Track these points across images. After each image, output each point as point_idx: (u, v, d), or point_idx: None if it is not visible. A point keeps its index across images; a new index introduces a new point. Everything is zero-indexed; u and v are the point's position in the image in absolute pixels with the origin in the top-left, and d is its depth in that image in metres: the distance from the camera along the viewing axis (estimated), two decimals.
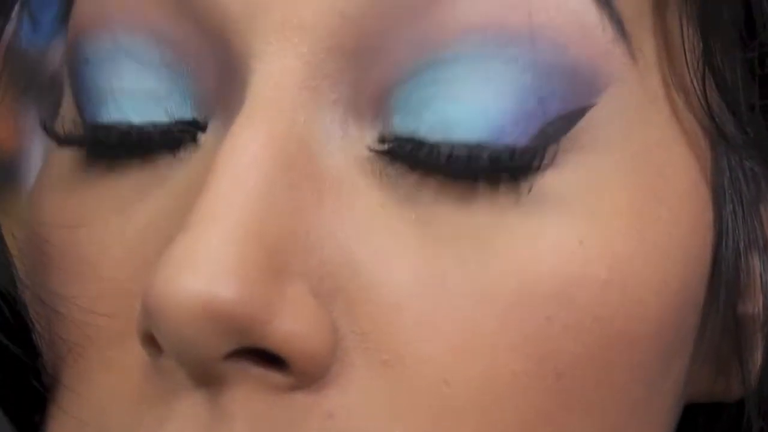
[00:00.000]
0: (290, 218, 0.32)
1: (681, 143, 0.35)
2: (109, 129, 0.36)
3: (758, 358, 0.38)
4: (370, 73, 0.33)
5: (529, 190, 0.33)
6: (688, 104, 0.36)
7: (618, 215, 0.34)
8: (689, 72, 0.35)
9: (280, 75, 0.33)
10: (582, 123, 0.34)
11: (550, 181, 0.33)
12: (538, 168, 0.33)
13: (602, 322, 0.33)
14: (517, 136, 0.33)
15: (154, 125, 0.35)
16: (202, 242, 0.31)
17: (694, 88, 0.35)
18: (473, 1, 0.33)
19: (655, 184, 0.35)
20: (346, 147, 0.33)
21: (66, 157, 0.37)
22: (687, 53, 0.35)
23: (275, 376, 0.31)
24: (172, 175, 0.35)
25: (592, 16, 0.33)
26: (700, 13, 0.35)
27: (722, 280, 0.36)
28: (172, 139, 0.35)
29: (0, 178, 0.52)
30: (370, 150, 0.33)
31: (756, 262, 0.37)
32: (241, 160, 0.32)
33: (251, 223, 0.31)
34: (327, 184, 0.33)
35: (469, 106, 0.33)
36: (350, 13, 0.33)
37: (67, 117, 0.38)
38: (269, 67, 0.33)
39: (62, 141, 0.37)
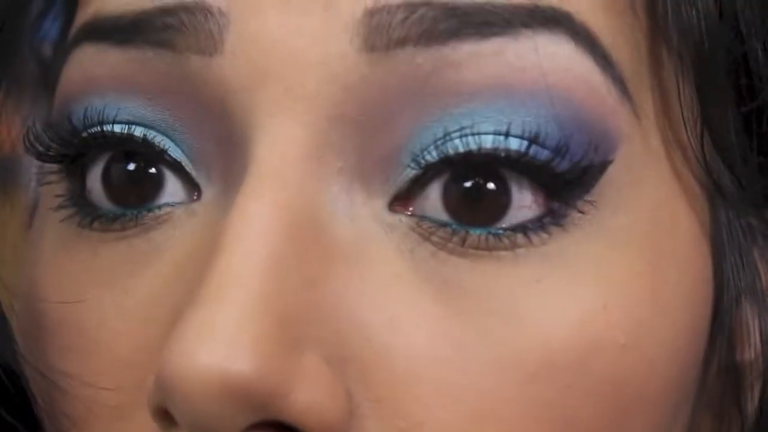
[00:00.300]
0: (302, 289, 0.32)
1: (682, 200, 0.36)
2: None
3: (756, 403, 0.38)
4: (374, 139, 0.33)
5: (556, 253, 0.33)
6: (686, 160, 0.36)
7: (635, 278, 0.34)
8: (686, 129, 0.36)
9: (284, 145, 0.32)
10: (603, 180, 0.34)
11: (574, 243, 0.33)
12: (563, 227, 0.33)
13: (618, 386, 0.33)
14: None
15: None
16: (217, 318, 0.30)
17: (691, 144, 0.36)
18: (478, 66, 0.33)
19: (664, 245, 0.35)
20: (355, 216, 0.33)
21: (58, 226, 0.37)
22: (684, 111, 0.36)
23: None
24: (168, 245, 0.35)
25: (597, 78, 0.34)
26: (695, 71, 0.36)
27: (723, 331, 0.37)
28: (166, 213, 0.35)
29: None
30: (382, 221, 0.33)
31: (750, 310, 0.38)
32: (250, 233, 0.31)
33: (264, 297, 0.31)
34: (338, 254, 0.33)
35: None
36: (353, 84, 0.33)
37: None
38: (273, 137, 0.32)
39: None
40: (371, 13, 0.32)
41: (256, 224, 0.32)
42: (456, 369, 0.32)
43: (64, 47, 0.39)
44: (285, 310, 0.31)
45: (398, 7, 0.32)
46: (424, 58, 0.33)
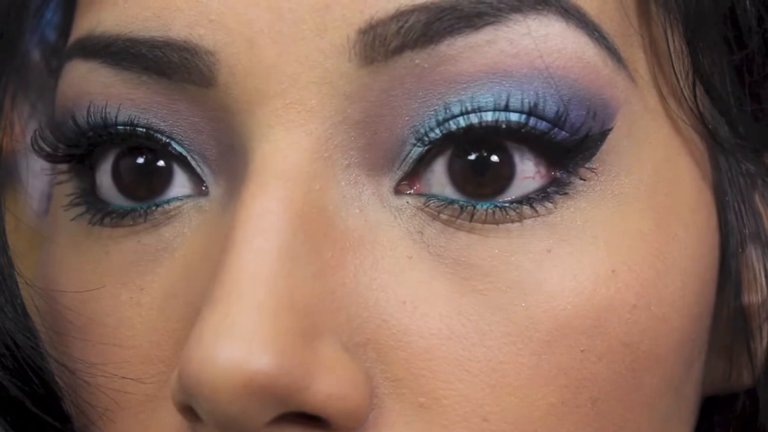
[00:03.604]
0: (314, 281, 0.32)
1: (683, 154, 0.36)
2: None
3: (765, 344, 0.39)
4: (379, 135, 0.34)
5: (563, 221, 0.34)
6: (684, 113, 0.36)
7: (642, 239, 0.34)
8: (679, 82, 0.36)
9: (287, 149, 0.33)
10: (603, 147, 0.34)
11: (579, 210, 0.34)
12: (567, 195, 0.34)
13: (632, 346, 0.34)
14: None
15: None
16: (234, 316, 0.31)
17: (686, 97, 0.36)
18: (474, 56, 0.33)
19: (668, 202, 0.35)
20: (363, 206, 0.34)
21: (70, 225, 0.38)
22: (674, 61, 0.36)
23: None
24: (179, 243, 0.35)
25: (591, 52, 0.34)
26: (684, 23, 0.36)
27: (730, 277, 0.38)
28: (175, 207, 0.36)
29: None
30: (389, 205, 0.34)
31: (755, 254, 0.38)
32: (259, 228, 0.32)
33: (279, 292, 0.31)
34: (348, 244, 0.33)
35: None
36: (355, 93, 0.33)
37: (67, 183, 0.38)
38: (274, 145, 0.33)
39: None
40: (365, 31, 0.33)
41: (263, 220, 0.32)
42: (471, 344, 0.33)
43: (62, 48, 0.39)
44: (300, 303, 0.32)
45: (391, 18, 0.33)
46: (421, 58, 0.33)
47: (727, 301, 0.38)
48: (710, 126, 0.37)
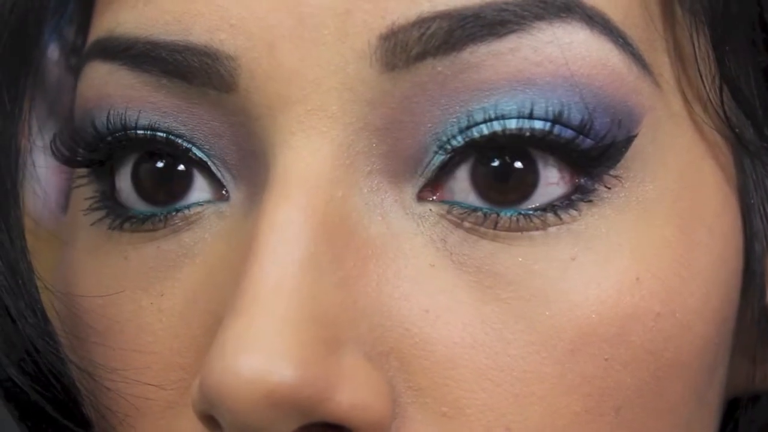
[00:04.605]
0: (337, 290, 0.32)
1: (708, 158, 0.36)
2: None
3: None
4: (401, 142, 0.33)
5: (587, 229, 0.33)
6: (707, 115, 0.36)
7: (667, 246, 0.34)
8: (705, 86, 0.36)
9: (309, 156, 0.33)
10: (628, 154, 0.34)
11: (603, 218, 0.34)
12: (592, 202, 0.33)
13: (656, 354, 0.34)
14: None
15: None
16: (256, 327, 0.31)
17: (711, 100, 0.36)
18: (497, 64, 0.33)
19: (693, 208, 0.35)
20: (385, 213, 0.33)
21: (89, 230, 0.37)
22: (700, 65, 0.36)
23: None
24: (199, 248, 0.35)
25: (616, 59, 0.34)
26: (710, 26, 0.36)
27: (755, 280, 0.37)
28: (195, 213, 0.35)
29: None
30: (411, 212, 0.34)
31: None
32: (281, 238, 0.32)
33: (301, 303, 0.31)
34: (370, 252, 0.33)
35: None
36: (376, 99, 0.33)
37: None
38: (296, 152, 0.33)
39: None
40: (386, 37, 0.32)
41: (285, 229, 0.32)
42: (494, 353, 0.33)
43: (81, 46, 0.39)
44: (322, 313, 0.31)
45: (412, 25, 0.32)
46: (443, 65, 0.33)
47: (752, 303, 0.38)
48: (736, 129, 0.36)
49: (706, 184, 0.36)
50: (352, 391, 0.31)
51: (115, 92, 0.35)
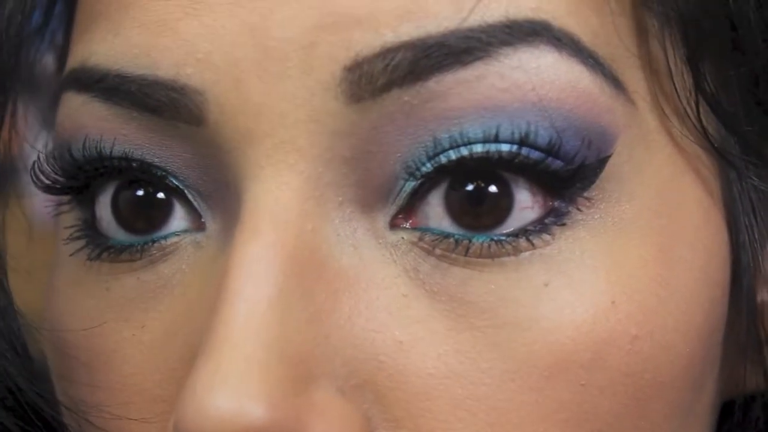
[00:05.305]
0: (308, 326, 0.32)
1: (688, 173, 0.35)
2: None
3: None
4: (370, 171, 0.33)
5: (560, 253, 0.33)
6: (686, 129, 0.35)
7: (644, 266, 0.34)
8: (680, 99, 0.35)
9: (278, 191, 0.32)
10: (603, 174, 0.33)
11: (577, 241, 0.33)
12: (566, 225, 0.33)
13: (634, 376, 0.33)
14: None
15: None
16: (225, 367, 0.31)
17: (689, 114, 0.35)
18: (463, 92, 0.32)
19: (672, 226, 0.35)
20: (357, 243, 0.33)
21: (69, 260, 0.37)
22: (675, 79, 0.35)
23: None
24: (178, 280, 0.35)
25: (587, 81, 0.33)
26: (682, 34, 0.35)
27: (744, 290, 0.37)
28: (172, 243, 0.35)
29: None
30: (384, 242, 0.33)
31: None
32: (252, 276, 0.32)
33: (271, 341, 0.31)
34: (342, 284, 0.33)
35: None
36: (344, 130, 0.33)
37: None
38: (265, 185, 0.33)
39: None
40: (351, 69, 0.32)
41: (254, 266, 0.32)
42: (469, 383, 0.32)
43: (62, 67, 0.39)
44: (292, 350, 0.31)
45: (377, 56, 0.32)
46: (410, 95, 0.32)
47: (741, 313, 0.37)
48: (716, 144, 0.35)
49: (687, 199, 0.35)
50: (324, 427, 0.31)
51: (89, 123, 0.35)
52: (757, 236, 0.37)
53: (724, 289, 0.36)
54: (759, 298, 0.37)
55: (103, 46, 0.35)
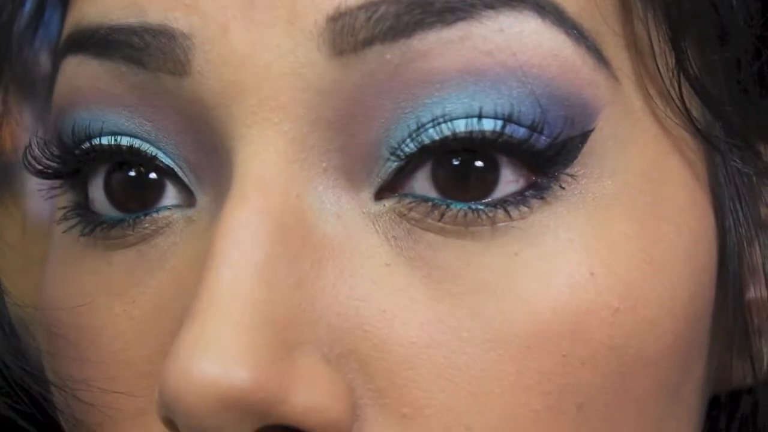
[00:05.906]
0: (293, 292, 0.32)
1: (673, 155, 0.36)
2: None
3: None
4: (355, 137, 0.33)
5: (536, 226, 0.33)
6: (671, 112, 0.35)
7: (625, 241, 0.34)
8: (663, 80, 0.35)
9: (264, 152, 0.33)
10: (584, 150, 0.34)
11: (555, 215, 0.33)
12: (544, 200, 0.33)
13: (617, 350, 0.33)
14: None
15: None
16: (210, 332, 0.31)
17: (672, 95, 0.35)
18: (445, 53, 0.33)
19: (656, 203, 0.35)
20: (342, 212, 0.34)
21: (62, 238, 0.38)
22: (658, 60, 0.35)
23: None
24: (170, 254, 0.35)
25: (569, 51, 0.33)
26: (667, 20, 0.35)
27: (730, 276, 0.37)
28: (164, 217, 0.36)
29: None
30: (368, 211, 0.34)
31: (757, 248, 0.38)
32: (237, 243, 0.32)
33: (256, 306, 0.31)
34: (327, 252, 0.33)
35: None
36: (326, 88, 0.33)
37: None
38: (252, 146, 0.33)
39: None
40: (334, 19, 0.33)
41: (242, 234, 0.32)
42: (452, 352, 0.33)
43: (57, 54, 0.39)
44: (277, 316, 0.32)
45: (359, 8, 0.32)
46: (392, 53, 0.33)
47: (728, 300, 0.37)
48: (701, 126, 0.36)
49: (672, 180, 0.35)
50: (308, 393, 0.31)
51: (84, 84, 0.36)
52: (742, 221, 0.37)
53: (711, 274, 0.36)
54: (746, 295, 0.38)
55: (95, 4, 0.36)
